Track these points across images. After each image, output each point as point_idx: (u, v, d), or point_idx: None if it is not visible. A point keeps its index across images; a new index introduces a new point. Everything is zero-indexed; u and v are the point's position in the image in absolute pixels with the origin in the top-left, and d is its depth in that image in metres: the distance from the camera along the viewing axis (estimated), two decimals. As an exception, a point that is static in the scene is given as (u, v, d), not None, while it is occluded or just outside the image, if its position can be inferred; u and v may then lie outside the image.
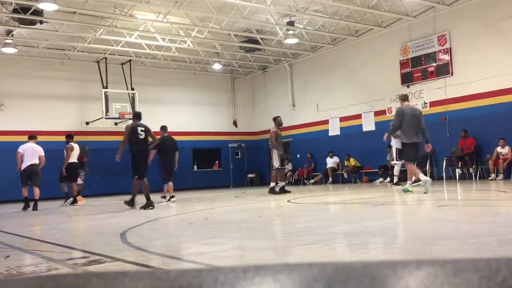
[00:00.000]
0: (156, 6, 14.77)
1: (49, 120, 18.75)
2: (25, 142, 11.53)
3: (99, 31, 16.50)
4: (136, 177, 9.25)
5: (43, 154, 11.50)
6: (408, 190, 9.59)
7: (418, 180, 9.65)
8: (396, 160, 12.66)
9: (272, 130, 12.80)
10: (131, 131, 9.24)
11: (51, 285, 0.42)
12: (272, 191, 12.38)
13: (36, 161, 11.33)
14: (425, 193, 8.91)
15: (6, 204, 14.71)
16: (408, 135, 9.51)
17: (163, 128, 11.69)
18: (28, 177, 11.28)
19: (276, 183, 12.53)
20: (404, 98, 10.42)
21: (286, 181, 15.03)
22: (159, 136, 10.88)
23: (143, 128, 9.31)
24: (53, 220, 7.88)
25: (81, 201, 13.30)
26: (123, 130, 21.00)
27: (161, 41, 18.07)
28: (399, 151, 11.33)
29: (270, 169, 13.22)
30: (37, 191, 11.17)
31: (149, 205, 9.03)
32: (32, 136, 11.78)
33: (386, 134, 10.76)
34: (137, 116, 9.70)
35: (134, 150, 9.21)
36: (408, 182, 9.87)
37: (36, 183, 11.25)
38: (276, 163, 12.49)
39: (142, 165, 9.27)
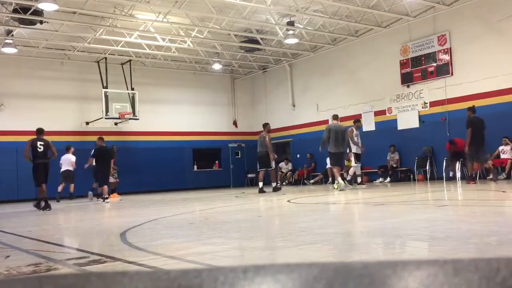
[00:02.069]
0: (156, 6, 14.77)
1: (49, 120, 18.72)
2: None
3: (99, 31, 16.49)
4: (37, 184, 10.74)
5: (73, 160, 15.45)
6: (337, 187, 12.44)
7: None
8: (355, 163, 14.18)
9: (267, 136, 13.80)
10: (31, 146, 10.58)
11: (51, 285, 0.42)
12: (276, 189, 13.61)
13: (70, 168, 15.28)
14: (339, 189, 12.09)
15: (7, 204, 14.69)
16: (332, 146, 12.60)
17: (100, 138, 13.63)
18: (65, 177, 15.14)
19: (276, 182, 14.01)
20: (335, 117, 13.35)
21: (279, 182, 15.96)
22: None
23: (42, 143, 10.70)
24: (53, 220, 7.88)
25: (114, 198, 14.96)
26: (123, 130, 21.10)
27: (161, 41, 18.07)
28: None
29: (260, 169, 14.27)
30: (72, 187, 15.43)
31: (47, 206, 10.37)
32: (68, 148, 15.62)
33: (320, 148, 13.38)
34: (39, 132, 10.94)
35: (35, 163, 10.60)
36: (336, 181, 12.71)
37: (70, 182, 15.37)
38: (273, 164, 13.94)
39: (42, 175, 10.63)
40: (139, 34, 17.15)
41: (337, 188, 12.42)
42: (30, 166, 15.18)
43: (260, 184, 13.72)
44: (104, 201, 12.71)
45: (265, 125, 14.16)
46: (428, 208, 6.85)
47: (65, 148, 15.48)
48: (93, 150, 13.36)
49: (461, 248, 3.00)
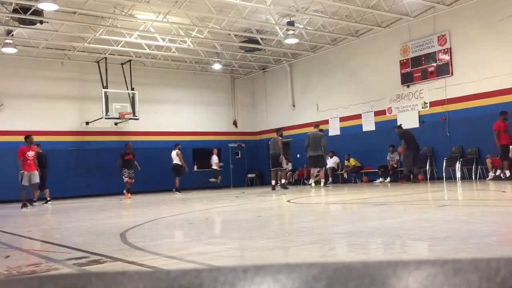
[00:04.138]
0: (156, 6, 14.77)
1: (49, 120, 18.74)
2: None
3: (99, 31, 16.49)
4: None
5: (176, 157, 17.44)
6: (318, 185, 14.94)
7: (318, 180, 15.36)
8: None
9: (279, 140, 15.35)
10: None
11: (51, 285, 0.42)
12: (284, 186, 15.15)
13: (177, 162, 17.36)
14: (312, 187, 14.77)
15: (7, 203, 14.69)
16: (311, 150, 14.85)
17: (38, 145, 14.05)
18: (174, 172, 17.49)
19: (286, 181, 15.71)
20: (316, 126, 15.63)
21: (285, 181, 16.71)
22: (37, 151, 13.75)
23: None
24: (53, 220, 7.88)
25: (127, 197, 15.25)
26: (123, 130, 21.13)
27: (161, 41, 18.07)
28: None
29: (272, 169, 15.92)
30: (177, 181, 17.44)
31: None
32: (176, 144, 17.67)
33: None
34: None
35: None
36: (311, 180, 15.44)
37: (176, 176, 17.46)
38: (284, 165, 15.75)
39: None
40: (139, 34, 17.15)
41: (323, 186, 15.01)
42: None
43: (273, 182, 15.35)
44: (47, 203, 13.48)
45: (278, 130, 15.71)
46: (428, 208, 6.85)
47: (174, 145, 17.69)
48: None
49: (461, 248, 3.00)
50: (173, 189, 17.35)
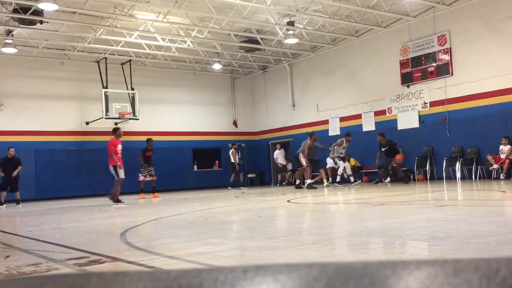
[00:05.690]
0: (156, 6, 14.76)
1: (49, 120, 18.74)
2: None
3: (99, 31, 16.49)
4: None
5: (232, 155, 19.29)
6: (325, 185, 15.78)
7: (318, 180, 16.41)
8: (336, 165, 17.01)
9: (307, 144, 15.66)
10: None
11: (51, 285, 0.42)
12: (310, 186, 15.05)
13: (233, 160, 19.14)
14: (307, 188, 15.02)
15: (7, 203, 14.67)
16: (313, 155, 15.64)
17: (11, 148, 14.09)
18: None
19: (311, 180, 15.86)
20: (312, 135, 15.85)
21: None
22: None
23: None
24: (53, 220, 7.88)
25: (156, 196, 14.61)
26: (123, 130, 21.26)
27: (161, 41, 18.06)
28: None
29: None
30: (232, 177, 19.26)
31: None
32: (232, 144, 19.74)
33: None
34: None
35: None
36: (309, 180, 15.50)
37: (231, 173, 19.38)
38: (305, 162, 15.74)
39: None
40: (139, 34, 17.14)
41: (324, 186, 15.79)
42: (30, 166, 15.03)
43: (309, 180, 15.86)
44: (18, 204, 13.53)
45: (311, 135, 15.91)
46: (428, 208, 6.85)
47: (234, 145, 19.61)
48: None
49: (461, 248, 3.00)
50: (229, 186, 18.87)
